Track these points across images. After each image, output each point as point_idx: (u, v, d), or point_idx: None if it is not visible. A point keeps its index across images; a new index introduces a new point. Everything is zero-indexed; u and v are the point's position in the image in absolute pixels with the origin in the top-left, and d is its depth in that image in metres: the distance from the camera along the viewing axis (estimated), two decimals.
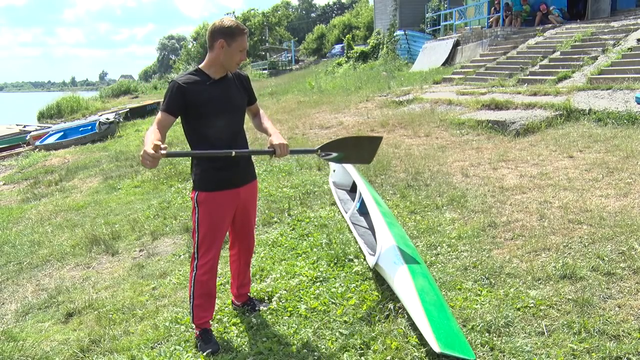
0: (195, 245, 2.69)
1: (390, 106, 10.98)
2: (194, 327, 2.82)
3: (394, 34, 21.68)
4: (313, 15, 67.91)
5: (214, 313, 3.03)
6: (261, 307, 3.09)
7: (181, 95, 2.51)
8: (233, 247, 2.97)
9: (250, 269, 3.16)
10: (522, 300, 2.86)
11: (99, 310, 3.47)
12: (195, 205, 2.65)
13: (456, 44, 16.76)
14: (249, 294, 3.15)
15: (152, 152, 2.23)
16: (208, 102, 2.54)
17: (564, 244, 3.47)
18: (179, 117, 2.60)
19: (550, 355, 2.39)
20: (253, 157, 2.92)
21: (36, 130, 16.99)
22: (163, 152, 2.30)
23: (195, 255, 2.69)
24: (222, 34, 2.50)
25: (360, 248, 3.78)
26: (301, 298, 3.16)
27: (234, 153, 2.60)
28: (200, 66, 2.63)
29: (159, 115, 2.56)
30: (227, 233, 2.89)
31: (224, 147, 2.59)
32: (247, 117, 2.85)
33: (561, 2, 15.39)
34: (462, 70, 13.50)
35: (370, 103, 11.82)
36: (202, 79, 2.57)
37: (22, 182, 9.72)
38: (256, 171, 2.92)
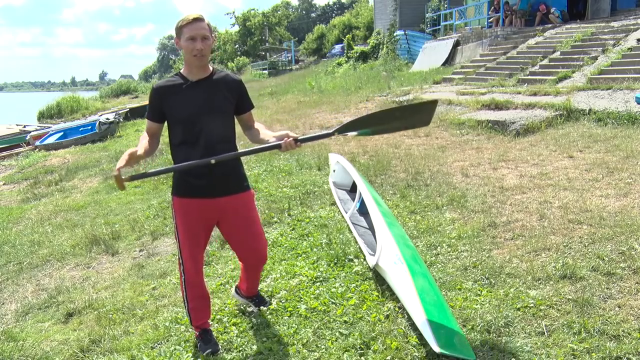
0: (179, 250, 2.67)
1: (390, 106, 10.97)
2: (194, 328, 2.82)
3: (394, 34, 21.67)
4: (313, 15, 67.87)
5: (214, 313, 3.03)
6: (263, 307, 3.07)
7: (158, 99, 2.49)
8: (240, 260, 2.90)
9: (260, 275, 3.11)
10: (522, 300, 2.86)
11: (99, 310, 3.47)
12: (172, 210, 2.64)
13: (456, 44, 16.75)
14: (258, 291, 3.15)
15: (115, 173, 2.29)
16: (183, 105, 2.46)
17: (564, 244, 3.47)
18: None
19: (550, 355, 2.39)
20: (251, 161, 2.81)
21: (36, 130, 16.97)
22: (122, 175, 2.32)
23: (180, 260, 2.68)
24: (175, 35, 2.51)
25: (360, 248, 3.78)
26: (301, 298, 3.16)
27: (213, 161, 2.42)
28: (181, 70, 2.58)
29: (146, 122, 2.56)
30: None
31: (202, 153, 2.46)
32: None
33: (561, 2, 15.39)
34: (462, 70, 13.50)
35: (370, 103, 11.82)
36: (179, 82, 2.50)
37: (22, 182, 9.71)
38: (256, 172, 2.88)
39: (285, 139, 2.45)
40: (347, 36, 28.26)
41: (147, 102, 2.64)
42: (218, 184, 2.55)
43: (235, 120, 2.67)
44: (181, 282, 2.71)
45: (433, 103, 2.81)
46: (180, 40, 2.46)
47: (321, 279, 3.41)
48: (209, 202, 2.57)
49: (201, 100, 2.48)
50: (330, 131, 2.62)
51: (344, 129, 2.63)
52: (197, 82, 2.51)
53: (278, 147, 2.46)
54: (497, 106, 8.66)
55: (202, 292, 2.74)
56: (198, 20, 2.43)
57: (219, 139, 2.52)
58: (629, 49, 9.75)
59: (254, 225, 2.71)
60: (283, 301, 3.15)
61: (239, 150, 2.57)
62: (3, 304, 4.04)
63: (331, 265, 3.59)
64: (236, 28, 45.23)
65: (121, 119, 16.62)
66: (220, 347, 2.74)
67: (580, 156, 5.58)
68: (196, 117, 2.47)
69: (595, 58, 9.97)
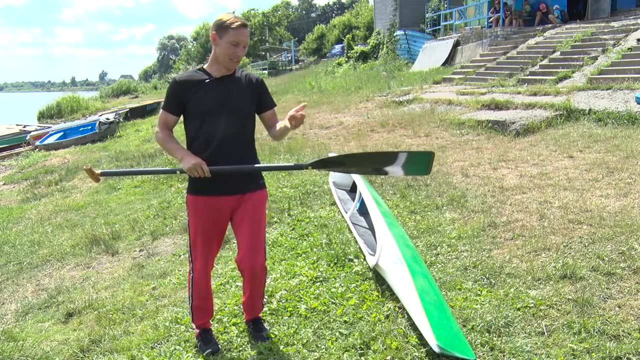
0: (189, 248, 2.68)
1: (390, 106, 10.98)
2: (194, 326, 2.82)
3: (394, 34, 21.68)
4: (313, 15, 67.82)
5: (214, 313, 3.03)
6: (264, 334, 2.80)
7: (177, 92, 2.49)
8: (236, 261, 2.74)
9: (263, 296, 2.85)
10: (522, 300, 2.86)
11: (99, 310, 3.47)
12: (187, 207, 2.65)
13: (456, 44, 16.75)
14: (257, 315, 2.91)
15: (87, 167, 2.48)
16: (204, 100, 2.47)
17: (564, 244, 3.47)
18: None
19: (550, 355, 2.39)
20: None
21: (36, 130, 16.98)
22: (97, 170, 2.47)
23: (190, 258, 2.69)
24: (215, 27, 2.46)
25: (360, 248, 3.78)
26: (301, 298, 3.16)
27: (178, 172, 2.49)
28: (204, 65, 2.58)
29: (161, 113, 2.56)
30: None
31: (217, 149, 2.48)
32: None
33: (561, 2, 15.39)
34: (462, 70, 13.50)
35: (370, 103, 11.83)
36: (201, 77, 2.51)
37: (22, 182, 9.72)
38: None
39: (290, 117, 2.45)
40: (347, 36, 28.26)
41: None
42: (233, 182, 2.55)
43: (252, 120, 2.64)
44: (189, 279, 2.71)
45: (430, 154, 2.71)
46: (220, 37, 2.44)
47: (321, 279, 3.41)
48: (223, 200, 2.56)
49: (222, 97, 2.49)
50: (305, 164, 2.63)
51: (318, 165, 2.66)
52: (220, 79, 2.51)
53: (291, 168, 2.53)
54: (497, 106, 8.66)
55: (207, 293, 2.74)
56: (245, 26, 2.45)
57: (235, 137, 2.52)
58: (629, 49, 9.75)
59: (258, 226, 2.64)
60: (283, 301, 3.15)
61: (241, 166, 2.53)
62: (3, 304, 4.04)
63: (331, 265, 3.59)
64: None
65: (121, 119, 16.62)
66: (220, 347, 2.73)
67: (580, 156, 5.58)
68: (215, 113, 2.47)
69: (595, 58, 9.97)
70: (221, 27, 2.43)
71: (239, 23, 2.43)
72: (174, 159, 2.52)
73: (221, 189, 2.54)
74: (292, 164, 2.62)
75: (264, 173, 2.76)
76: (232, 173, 2.51)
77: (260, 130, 2.77)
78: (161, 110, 2.56)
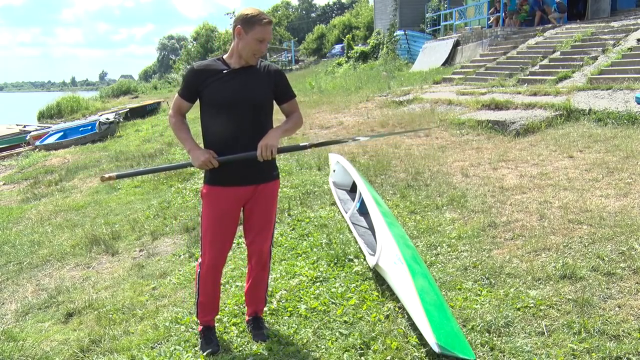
0: (200, 242, 2.68)
1: (390, 106, 10.98)
2: (198, 322, 2.81)
3: (394, 34, 21.68)
4: (313, 15, 67.75)
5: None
6: (264, 333, 2.81)
7: (193, 81, 2.50)
8: (246, 245, 2.81)
9: (266, 289, 2.91)
10: (522, 300, 2.86)
11: (99, 310, 3.47)
12: (201, 198, 2.66)
13: (456, 44, 16.76)
14: (259, 314, 2.94)
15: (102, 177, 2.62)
16: (221, 90, 2.47)
17: (564, 244, 3.47)
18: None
19: (550, 355, 2.39)
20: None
21: (36, 130, 16.96)
22: (110, 174, 2.63)
23: (200, 252, 2.69)
24: (241, 21, 2.45)
25: (360, 248, 3.78)
26: (301, 298, 3.16)
27: (189, 166, 2.59)
28: (224, 56, 2.58)
29: (175, 98, 2.58)
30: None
31: (232, 141, 2.48)
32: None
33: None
34: (462, 70, 13.50)
35: (370, 103, 11.83)
36: (219, 67, 2.50)
37: (22, 182, 9.71)
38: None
39: (265, 144, 2.46)
40: (347, 36, 28.26)
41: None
42: (250, 173, 2.56)
43: (269, 112, 2.65)
44: (196, 274, 2.71)
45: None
46: (245, 32, 2.43)
47: (321, 279, 3.41)
48: (238, 190, 2.57)
49: (239, 88, 2.49)
50: (307, 144, 2.73)
51: (318, 144, 2.79)
52: (238, 70, 2.52)
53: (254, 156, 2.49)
54: (497, 106, 8.66)
55: (214, 290, 2.73)
56: (271, 23, 2.47)
57: (251, 128, 2.52)
58: (629, 49, 9.75)
59: (269, 216, 2.70)
60: (283, 301, 3.15)
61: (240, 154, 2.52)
62: (3, 304, 4.04)
63: (331, 265, 3.59)
64: None
65: (121, 119, 16.62)
66: (220, 347, 2.73)
67: (580, 156, 5.58)
68: (231, 104, 2.47)
69: (595, 58, 9.97)
70: (248, 22, 2.43)
71: (266, 20, 2.44)
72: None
73: (237, 180, 2.56)
74: (296, 145, 2.75)
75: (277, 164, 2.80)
76: (241, 160, 2.51)
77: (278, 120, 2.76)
78: (176, 94, 2.58)
